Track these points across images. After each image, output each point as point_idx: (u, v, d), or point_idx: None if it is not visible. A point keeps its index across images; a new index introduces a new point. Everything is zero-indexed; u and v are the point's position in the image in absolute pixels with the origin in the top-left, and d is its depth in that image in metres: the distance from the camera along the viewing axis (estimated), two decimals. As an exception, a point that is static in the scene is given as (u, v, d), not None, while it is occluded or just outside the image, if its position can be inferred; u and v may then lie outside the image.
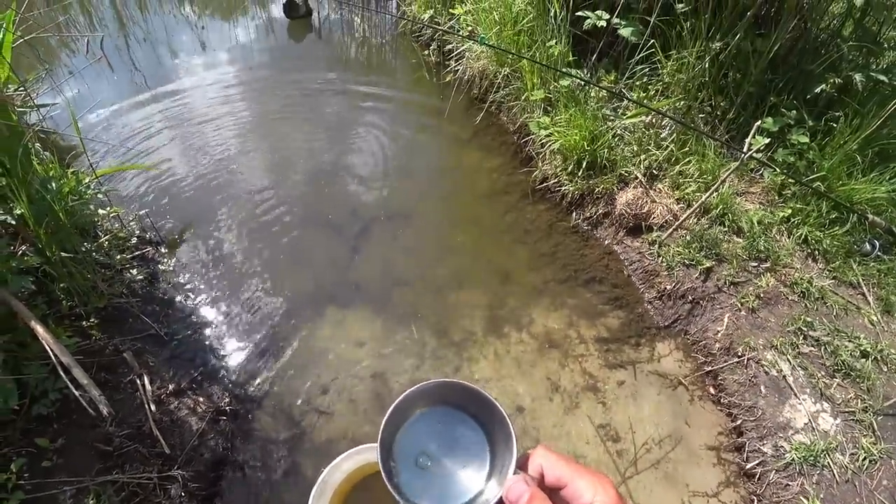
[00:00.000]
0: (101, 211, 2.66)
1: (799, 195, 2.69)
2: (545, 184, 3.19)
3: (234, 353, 2.41)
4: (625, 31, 3.16)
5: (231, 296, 2.64)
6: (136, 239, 2.80)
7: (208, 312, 2.56)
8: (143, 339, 2.32)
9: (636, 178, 2.91)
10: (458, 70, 4.02)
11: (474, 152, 3.54)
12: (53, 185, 2.20)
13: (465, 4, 4.04)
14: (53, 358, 1.75)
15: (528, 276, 2.74)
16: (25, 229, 2.12)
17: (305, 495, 1.78)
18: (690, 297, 2.51)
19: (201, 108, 3.85)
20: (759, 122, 2.47)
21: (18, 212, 2.05)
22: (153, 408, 2.03)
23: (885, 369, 2.23)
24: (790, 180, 2.68)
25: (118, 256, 2.59)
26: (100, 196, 2.60)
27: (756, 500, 2.02)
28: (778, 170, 2.44)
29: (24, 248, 2.14)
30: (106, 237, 2.62)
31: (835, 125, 2.75)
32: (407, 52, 4.71)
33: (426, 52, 4.57)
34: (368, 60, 4.74)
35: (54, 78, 4.04)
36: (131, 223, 2.87)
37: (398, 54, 4.80)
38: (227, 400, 2.22)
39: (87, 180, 2.50)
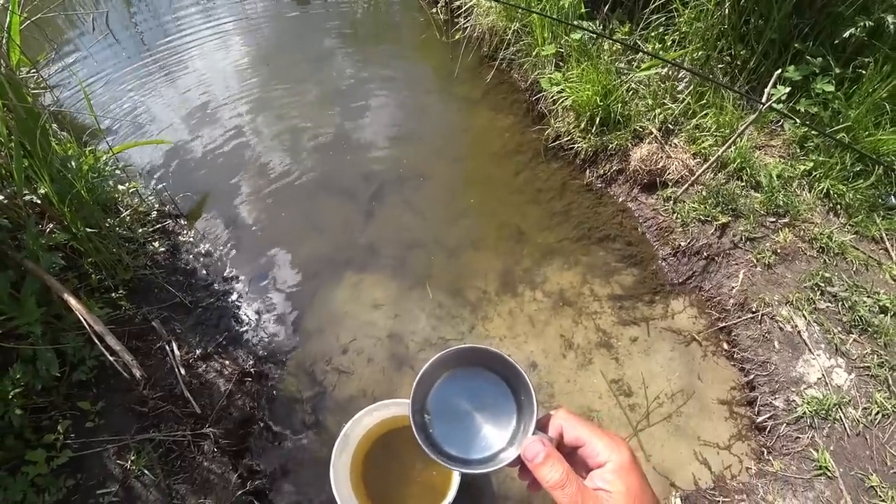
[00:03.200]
0: (120, 187, 2.71)
1: (822, 147, 2.61)
2: (558, 142, 3.13)
3: (256, 317, 2.49)
4: (640, -21, 3.03)
5: (250, 263, 2.70)
6: (155, 212, 2.87)
7: (229, 280, 2.64)
8: (169, 308, 2.41)
9: (651, 133, 2.85)
10: (466, 28, 3.91)
11: (485, 112, 3.48)
12: (73, 163, 2.26)
13: (472, -45, 3.89)
14: (87, 327, 1.84)
15: (542, 235, 2.73)
16: (51, 208, 2.18)
17: (329, 448, 1.88)
18: (705, 254, 2.49)
19: (209, 79, 3.83)
20: (779, 71, 2.37)
21: (42, 191, 2.11)
22: (183, 371, 2.13)
23: (904, 324, 2.21)
24: (813, 132, 2.59)
25: (140, 230, 2.66)
26: (118, 172, 2.64)
27: (766, 452, 2.05)
28: (799, 121, 2.36)
29: (51, 226, 2.21)
30: (127, 212, 2.69)
31: (863, 72, 2.62)
32: (415, 10, 4.58)
33: (434, 10, 4.44)
34: (376, 20, 4.62)
35: (63, 57, 4.04)
36: (150, 197, 2.92)
37: (406, 13, 4.67)
38: (251, 362, 2.31)
39: (104, 157, 2.53)
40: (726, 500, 1.89)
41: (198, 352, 2.28)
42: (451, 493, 1.72)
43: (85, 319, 1.88)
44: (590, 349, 2.31)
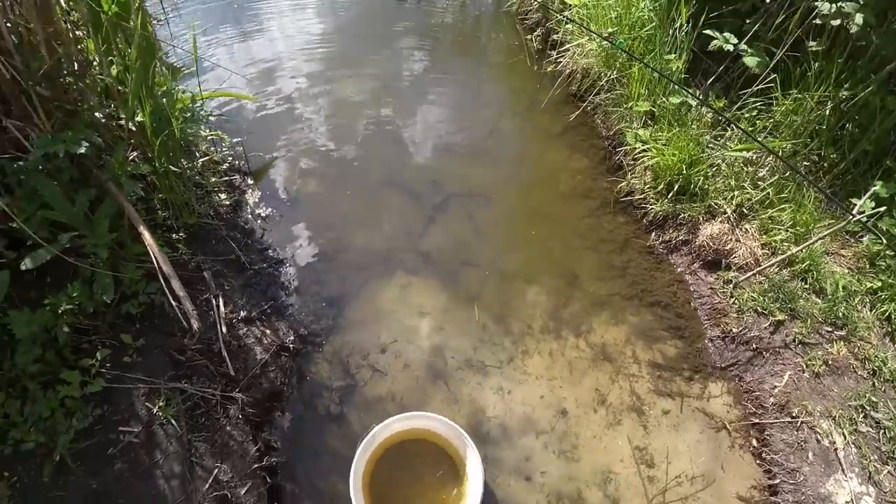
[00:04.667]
0: (202, 132, 2.77)
1: (893, 269, 2.58)
2: (629, 197, 3.14)
3: (304, 294, 2.53)
4: (749, 60, 3.04)
5: (308, 239, 2.75)
6: (227, 165, 2.93)
7: (285, 250, 2.69)
8: (222, 263, 2.45)
9: (725, 212, 2.84)
10: (560, 62, 3.95)
11: (562, 149, 3.50)
12: (169, 100, 2.31)
13: (582, -4, 3.93)
14: (155, 265, 1.87)
15: (595, 285, 2.73)
16: (140, 137, 2.24)
17: (346, 442, 1.90)
18: (754, 346, 2.47)
19: (297, 50, 3.98)
20: (875, 188, 2.36)
21: (140, 119, 2.16)
22: (224, 330, 2.15)
23: (944, 468, 2.16)
24: (888, 252, 2.57)
25: (211, 179, 2.72)
26: (210, 118, 2.71)
27: (776, 560, 2.02)
28: (885, 240, 2.33)
29: (134, 154, 2.26)
30: (203, 158, 2.75)
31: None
32: (510, 32, 4.64)
33: (529, 38, 4.49)
34: (468, 31, 4.70)
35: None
36: (224, 149, 2.98)
37: (499, 32, 4.73)
38: (291, 338, 2.34)
39: (198, 100, 2.60)
40: None
41: (242, 314, 2.30)
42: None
43: (155, 257, 1.92)
44: (621, 410, 2.30)
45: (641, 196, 3.07)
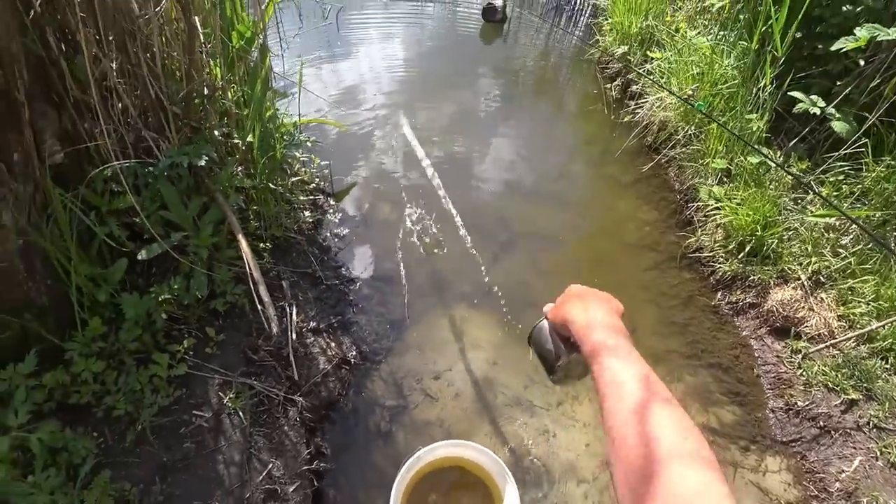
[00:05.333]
0: (297, 154, 3.05)
1: None
2: (697, 254, 3.09)
3: (369, 313, 2.68)
4: (838, 126, 2.94)
5: (379, 263, 2.93)
6: (313, 185, 3.19)
7: (357, 270, 2.88)
8: (299, 275, 2.67)
9: (799, 279, 2.73)
10: (637, 113, 3.98)
11: (632, 199, 3.51)
12: (273, 124, 2.59)
13: (664, 51, 3.97)
14: (247, 270, 2.09)
15: (653, 339, 2.70)
16: (246, 155, 2.51)
17: (389, 460, 1.98)
18: (822, 423, 2.33)
19: (389, 87, 4.27)
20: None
21: (249, 139, 2.44)
22: (294, 336, 2.33)
23: None
24: None
25: (300, 197, 2.98)
26: (307, 143, 2.99)
27: None
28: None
29: (240, 169, 2.54)
30: (295, 178, 3.02)
31: None
32: (589, 80, 4.74)
33: (609, 87, 4.56)
34: (548, 77, 4.84)
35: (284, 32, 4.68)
36: (313, 170, 3.26)
37: (579, 80, 4.84)
38: (353, 353, 2.49)
39: (297, 125, 2.90)
40: None
41: (311, 324, 2.48)
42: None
43: (248, 263, 2.13)
44: (669, 471, 2.23)
45: (710, 254, 3.01)
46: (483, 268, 2.94)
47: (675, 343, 2.69)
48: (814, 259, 2.75)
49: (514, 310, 2.76)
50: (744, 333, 2.76)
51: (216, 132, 2.35)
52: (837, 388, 2.38)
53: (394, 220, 3.17)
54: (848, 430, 2.29)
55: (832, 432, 2.31)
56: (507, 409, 2.37)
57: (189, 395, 2.02)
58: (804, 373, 2.46)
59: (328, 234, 3.02)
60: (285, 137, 2.70)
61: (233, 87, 2.52)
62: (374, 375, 2.45)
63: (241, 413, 2.01)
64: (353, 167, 3.50)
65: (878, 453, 2.21)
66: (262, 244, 2.59)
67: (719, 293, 2.94)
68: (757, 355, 2.66)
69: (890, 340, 2.44)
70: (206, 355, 2.14)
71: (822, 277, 2.75)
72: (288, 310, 2.42)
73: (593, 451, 2.26)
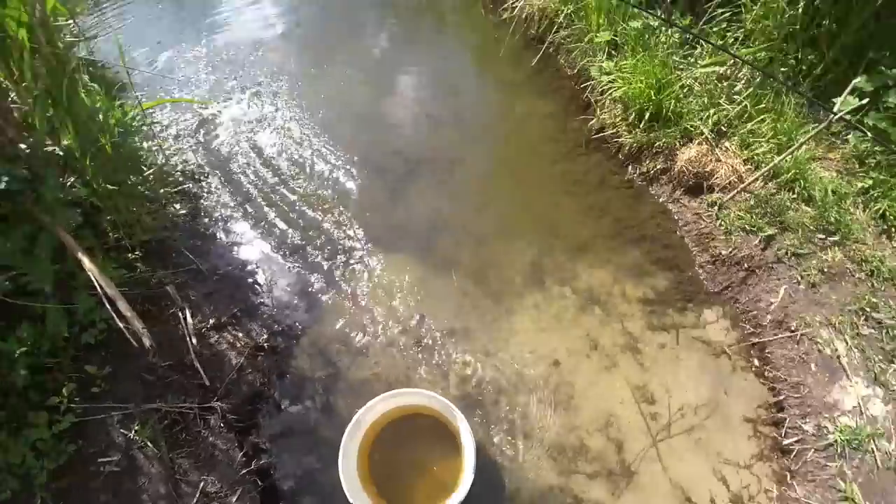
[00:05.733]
0: (146, 144, 2.67)
1: (884, 165, 2.46)
2: (601, 134, 3.02)
3: (273, 290, 2.47)
4: (709, -32, 2.86)
5: (271, 234, 2.68)
6: (178, 173, 2.85)
7: (248, 249, 2.63)
8: (185, 274, 2.39)
9: (702, 133, 2.71)
10: (515, 7, 3.77)
11: (527, 97, 3.37)
12: (101, 116, 2.19)
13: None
14: (99, 290, 1.78)
15: (575, 230, 2.65)
16: (73, 161, 2.14)
17: (338, 431, 1.86)
18: (746, 265, 2.38)
19: (246, 46, 3.81)
20: (858, 79, 2.22)
21: (66, 142, 2.06)
22: (194, 341, 2.10)
23: (951, 359, 2.09)
24: (876, 148, 2.44)
25: (162, 190, 2.64)
26: (145, 128, 2.61)
27: (789, 477, 1.97)
28: (869, 134, 2.21)
29: (72, 179, 2.14)
30: (151, 171, 2.65)
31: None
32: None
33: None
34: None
35: (103, 11, 4.05)
36: (174, 157, 2.91)
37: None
38: (265, 336, 2.29)
39: (132, 112, 2.49)
40: (743, 522, 1.82)
41: (211, 321, 2.25)
42: (463, 488, 1.69)
43: (97, 281, 1.81)
44: (615, 352, 2.24)
45: (613, 131, 2.94)
46: (387, 208, 2.76)
47: (597, 227, 2.65)
48: (712, 111, 2.73)
49: (427, 241, 2.63)
50: (661, 200, 2.75)
51: (22, 145, 1.95)
52: (754, 229, 2.42)
53: (281, 186, 2.90)
54: (770, 265, 2.35)
55: (756, 271, 2.37)
56: (444, 342, 2.28)
57: (87, 444, 1.80)
58: (722, 222, 2.49)
59: (208, 221, 2.72)
60: (117, 129, 2.30)
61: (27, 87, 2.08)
62: (296, 352, 2.28)
63: (152, 442, 1.81)
64: (230, 146, 3.14)
65: (800, 278, 2.28)
66: (130, 254, 2.29)
67: (630, 167, 2.90)
68: (677, 218, 2.67)
69: (793, 171, 2.49)
70: (95, 395, 1.90)
71: (723, 127, 2.74)
72: (181, 315, 2.18)
73: (539, 356, 2.23)
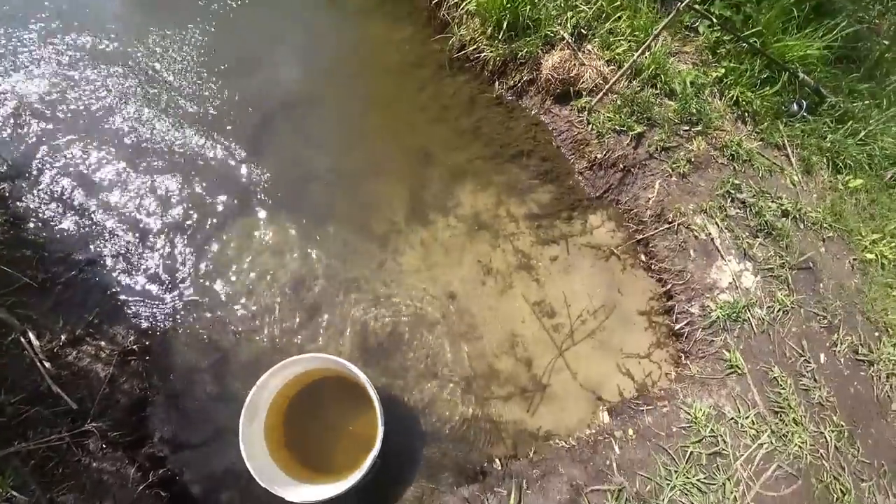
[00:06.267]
0: None
1: (734, 53, 2.54)
2: (463, 52, 2.83)
3: (133, 285, 2.10)
4: None
5: (115, 224, 2.24)
6: None
7: (91, 246, 2.17)
8: (17, 292, 1.96)
9: (563, 38, 2.63)
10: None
11: (380, 23, 3.05)
12: None
13: None
14: None
15: (451, 156, 2.49)
16: None
17: (235, 413, 1.61)
18: (622, 165, 2.38)
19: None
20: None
21: None
22: (47, 364, 1.78)
23: (802, 227, 2.28)
24: (725, 37, 2.51)
25: None
26: None
27: (683, 357, 2.06)
28: (715, 21, 2.24)
29: None
30: None
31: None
32: None
33: None
34: None
35: None
36: None
37: None
38: (132, 338, 1.98)
39: None
40: (649, 407, 1.87)
41: (63, 337, 1.90)
42: (378, 440, 1.55)
43: None
44: (509, 273, 2.17)
45: (474, 47, 2.77)
46: (245, 166, 2.40)
47: (474, 149, 2.51)
48: (570, 14, 2.64)
49: (297, 193, 2.34)
50: (533, 113, 2.66)
51: None
52: (625, 128, 2.42)
53: (114, 166, 2.38)
54: (643, 162, 2.38)
55: (632, 170, 2.38)
56: (333, 298, 2.06)
57: None
58: (594, 126, 2.45)
59: (36, 226, 2.20)
60: None
61: None
62: (174, 345, 1.98)
63: (19, 491, 1.54)
64: (46, 129, 2.46)
65: (671, 171, 2.33)
66: None
67: (497, 83, 2.76)
68: (551, 128, 2.60)
69: (653, 67, 2.49)
70: None
71: (582, 30, 2.66)
72: (24, 339, 1.81)
73: (433, 292, 2.09)
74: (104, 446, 1.69)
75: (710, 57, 2.61)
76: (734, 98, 2.48)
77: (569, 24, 2.63)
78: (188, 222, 2.23)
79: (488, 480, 1.70)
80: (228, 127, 2.51)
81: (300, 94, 2.67)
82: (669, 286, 2.17)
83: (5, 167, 2.33)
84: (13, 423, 1.65)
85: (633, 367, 2.05)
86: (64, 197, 2.28)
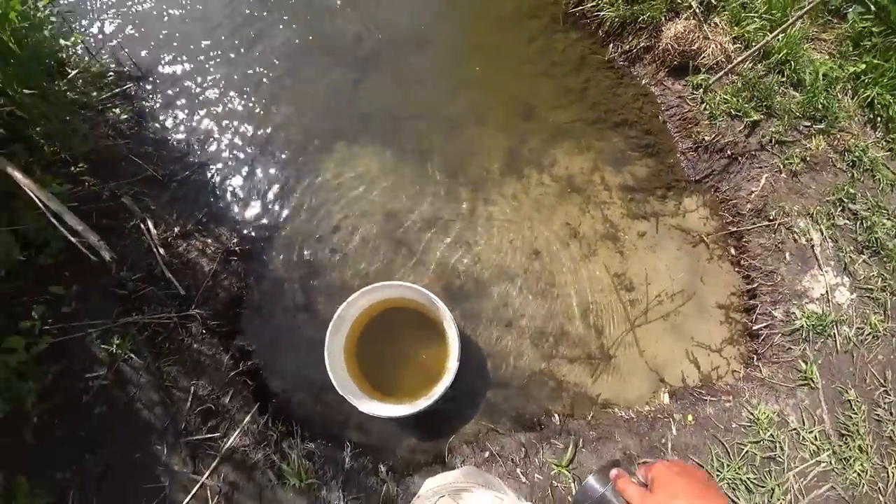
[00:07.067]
0: (63, 41, 2.19)
1: (880, 48, 2.34)
2: (580, 7, 2.72)
3: (239, 192, 2.23)
4: None
5: (229, 132, 2.35)
6: (112, 74, 2.44)
7: (206, 151, 2.31)
8: (140, 183, 2.13)
9: (689, 7, 2.48)
10: None
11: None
12: None
13: None
14: (42, 206, 1.62)
15: (553, 114, 2.44)
16: None
17: (321, 329, 1.71)
18: (729, 152, 2.29)
19: None
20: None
21: None
22: (162, 251, 1.94)
23: (916, 252, 2.14)
24: (875, 29, 2.31)
25: (94, 94, 2.28)
26: (53, 19, 2.08)
27: (755, 358, 2.03)
28: (872, 6, 2.04)
29: None
30: (77, 72, 2.27)
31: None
32: None
33: None
34: None
35: None
36: (104, 55, 2.46)
37: None
38: (235, 240, 2.12)
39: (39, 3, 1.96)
40: (713, 399, 1.87)
41: (176, 230, 2.06)
42: (449, 375, 1.62)
43: (36, 197, 1.64)
44: (595, 240, 2.15)
45: (593, 3, 2.65)
46: (351, 96, 2.44)
47: (576, 111, 2.46)
48: (703, -20, 2.48)
49: (396, 129, 2.37)
50: (643, 82, 2.56)
51: None
52: (740, 114, 2.30)
53: (230, 76, 2.48)
54: (753, 153, 2.27)
55: (739, 158, 2.29)
56: (420, 234, 2.12)
57: (71, 363, 1.72)
58: (707, 106, 2.35)
59: (157, 126, 2.35)
60: (20, 23, 1.80)
61: None
62: (271, 253, 2.11)
63: (135, 354, 1.75)
64: (171, 38, 2.59)
65: (781, 167, 2.22)
66: (73, 168, 2.01)
67: (611, 45, 2.66)
68: (660, 101, 2.50)
69: (784, 52, 2.33)
70: (68, 315, 1.77)
71: (712, 0, 2.51)
72: (143, 226, 1.98)
73: (518, 246, 2.11)
74: (204, 332, 1.86)
75: (851, 49, 2.41)
76: (869, 99, 2.30)
77: (700, -7, 2.48)
78: (293, 143, 2.33)
79: (545, 432, 1.77)
80: (337, 58, 2.54)
81: (408, 31, 2.65)
82: (755, 285, 2.11)
83: (132, 67, 2.47)
84: (132, 296, 1.84)
85: (701, 356, 2.04)
86: (183, 102, 2.42)
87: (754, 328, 2.07)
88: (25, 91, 1.86)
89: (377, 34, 2.62)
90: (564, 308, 2.01)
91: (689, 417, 1.82)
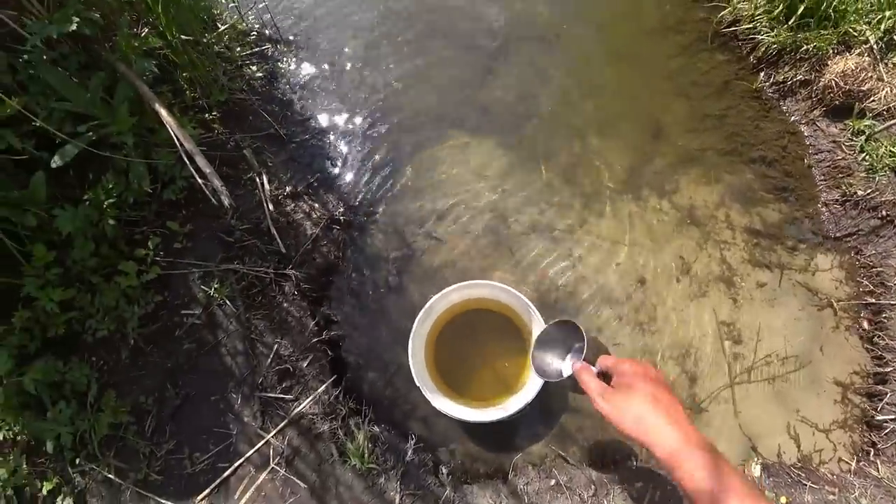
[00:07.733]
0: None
1: None
2: (733, 28, 2.51)
3: (351, 163, 2.27)
4: None
5: (350, 104, 2.41)
6: (255, 34, 2.61)
7: (326, 118, 2.39)
8: (262, 139, 2.24)
9: (866, 41, 2.21)
10: None
11: (648, -30, 2.79)
12: None
13: None
14: (178, 145, 1.74)
15: (684, 138, 2.27)
16: (143, 9, 1.97)
17: (405, 313, 1.70)
18: (884, 213, 2.01)
19: None
20: None
21: None
22: (271, 207, 2.02)
23: None
24: None
25: (237, 49, 2.46)
26: None
27: (872, 452, 1.78)
28: None
29: (146, 31, 2.03)
30: (225, 27, 2.47)
31: None
32: None
33: None
34: None
35: None
36: (250, 16, 2.63)
37: None
38: (341, 209, 2.15)
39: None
40: (814, 485, 1.66)
41: (287, 189, 2.14)
42: (530, 391, 1.56)
43: (175, 135, 1.78)
44: (708, 280, 1.98)
45: (750, 26, 2.43)
46: (476, 86, 2.42)
47: (710, 139, 2.27)
48: (888, 13, 2.20)
49: (517, 127, 2.31)
50: (793, 119, 2.32)
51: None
52: (906, 171, 2.02)
53: (360, 54, 2.56)
54: (913, 217, 1.99)
55: (894, 222, 2.01)
56: (524, 239, 2.05)
57: (172, 296, 1.84)
58: (867, 156, 2.08)
59: (285, 87, 2.47)
60: None
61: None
62: (371, 229, 2.12)
63: (230, 301, 1.83)
64: (311, 5, 2.74)
65: (947, 238, 1.93)
66: (207, 115, 2.17)
67: (762, 74, 2.43)
68: (808, 143, 2.26)
69: (973, 107, 2.02)
70: (178, 251, 1.90)
71: (894, 36, 2.22)
72: (258, 180, 2.08)
73: (624, 270, 1.99)
74: (296, 293, 1.91)
75: None
76: None
77: (880, 27, 2.21)
78: (412, 125, 2.34)
79: (619, 473, 1.65)
80: (468, 47, 2.54)
81: (543, 27, 2.59)
82: (888, 370, 1.85)
83: (272, 31, 2.63)
84: (237, 245, 1.93)
85: (804, 433, 1.82)
86: (314, 71, 2.53)
87: (877, 418, 1.82)
88: (182, 37, 2.03)
89: (512, 26, 2.59)
90: (661, 346, 1.87)
91: (784, 499, 1.63)
